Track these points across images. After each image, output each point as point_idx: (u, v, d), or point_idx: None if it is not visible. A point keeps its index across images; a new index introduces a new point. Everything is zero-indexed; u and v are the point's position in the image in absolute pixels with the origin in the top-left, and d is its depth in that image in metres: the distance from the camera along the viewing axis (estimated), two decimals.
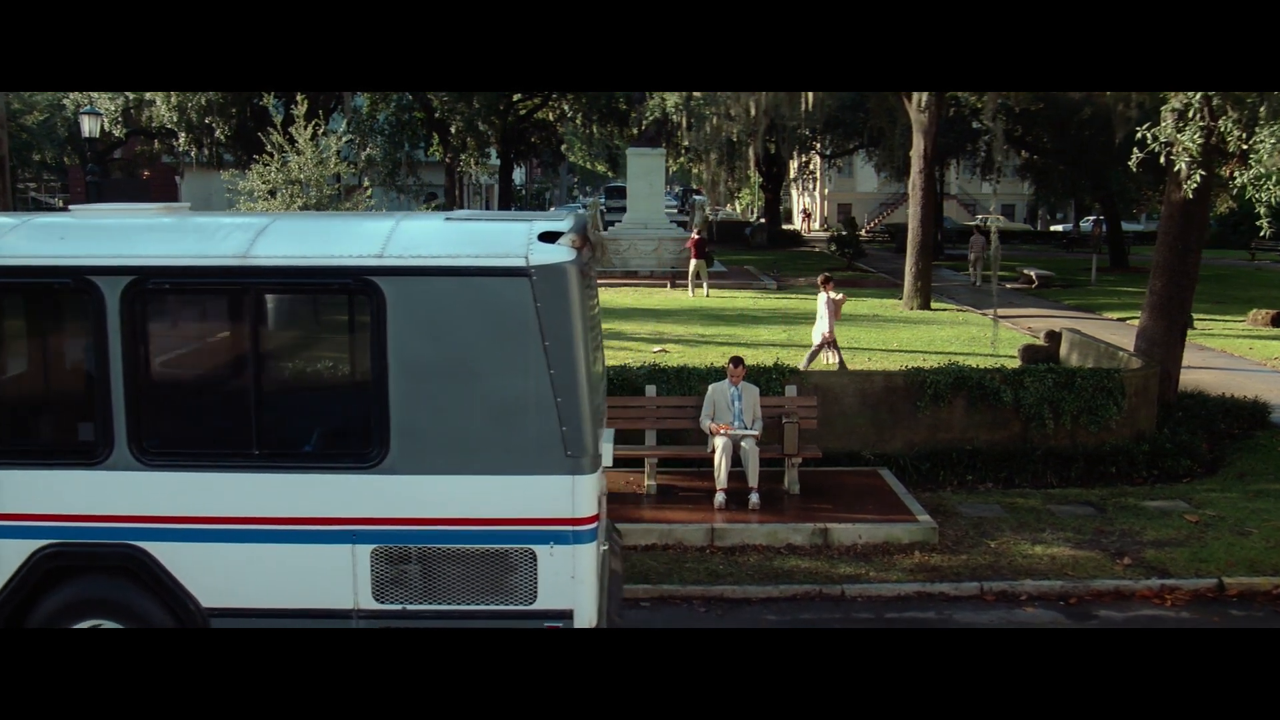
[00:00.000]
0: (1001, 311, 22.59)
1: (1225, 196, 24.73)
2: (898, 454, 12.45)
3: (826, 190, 68.12)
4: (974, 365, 13.29)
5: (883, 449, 12.53)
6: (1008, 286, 30.88)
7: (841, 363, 15.77)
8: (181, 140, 36.01)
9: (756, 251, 44.32)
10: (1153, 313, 15.09)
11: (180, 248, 6.11)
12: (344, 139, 18.41)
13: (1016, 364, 15.67)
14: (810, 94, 32.44)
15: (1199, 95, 12.18)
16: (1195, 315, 18.15)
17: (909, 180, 26.77)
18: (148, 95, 34.42)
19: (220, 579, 6.01)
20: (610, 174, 69.02)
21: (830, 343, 15.84)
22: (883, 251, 45.23)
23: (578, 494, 5.90)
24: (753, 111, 34.32)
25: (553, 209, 74.81)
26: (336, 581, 5.95)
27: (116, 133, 37.74)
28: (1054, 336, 17.95)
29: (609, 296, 26.56)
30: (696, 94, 34.71)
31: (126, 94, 34.61)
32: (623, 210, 37.28)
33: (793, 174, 57.91)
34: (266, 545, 5.98)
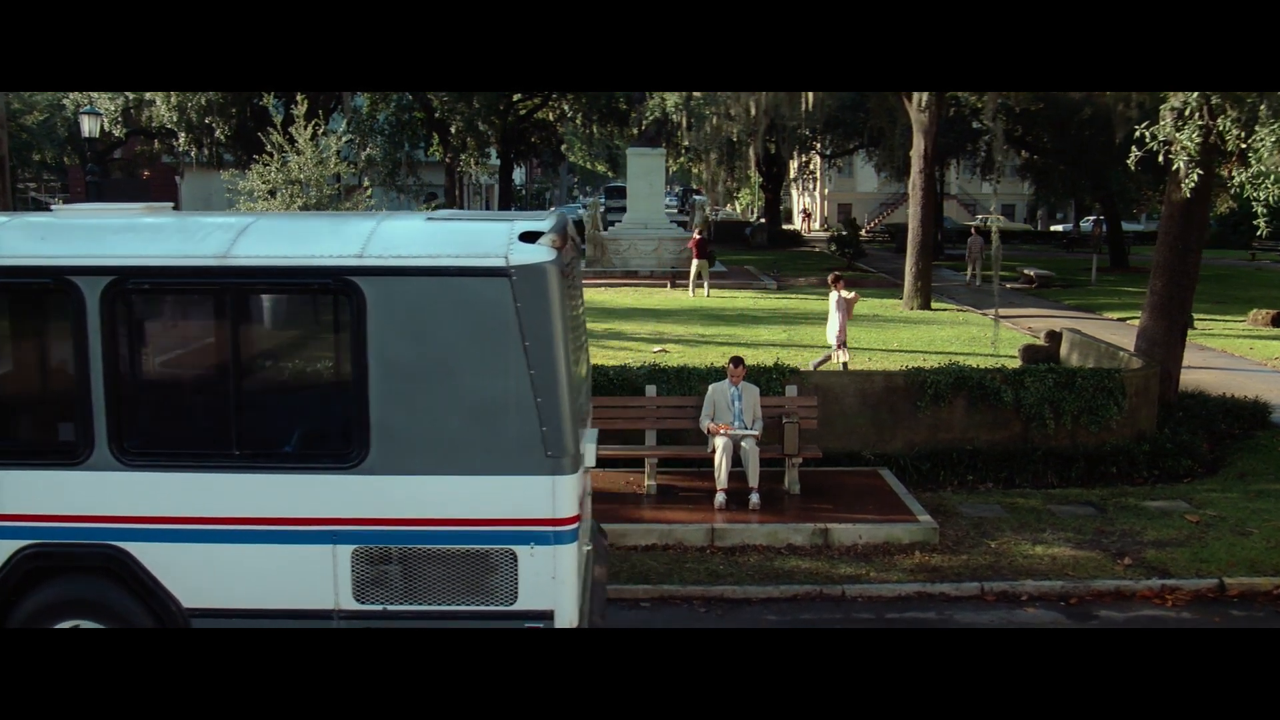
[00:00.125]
0: (1002, 311, 22.59)
1: (1225, 196, 24.73)
2: (898, 454, 12.44)
3: (826, 190, 68.13)
4: (974, 365, 13.29)
5: (883, 449, 12.53)
6: (1008, 286, 30.87)
7: (824, 361, 15.68)
8: (181, 140, 36.01)
9: (756, 251, 44.32)
10: (1153, 313, 15.09)
11: (161, 248, 6.10)
12: (344, 139, 18.41)
13: (1017, 364, 15.67)
14: (810, 94, 32.43)
15: (1197, 94, 12.18)
16: (1195, 315, 18.15)
17: (909, 180, 26.77)
18: (148, 95, 34.41)
19: (201, 579, 6.02)
20: (610, 174, 69.04)
21: (841, 342, 15.70)
22: (883, 251, 45.24)
23: (558, 494, 5.89)
24: (753, 111, 34.31)
25: (553, 208, 74.86)
26: (317, 582, 5.94)
27: (116, 133, 37.73)
28: (1054, 336, 17.95)
29: (609, 296, 26.58)
30: (696, 94, 34.70)
31: (126, 94, 34.60)
32: (623, 210, 37.28)
33: (793, 174, 57.91)
34: (247, 545, 5.98)
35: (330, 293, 6.05)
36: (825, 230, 58.68)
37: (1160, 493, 11.91)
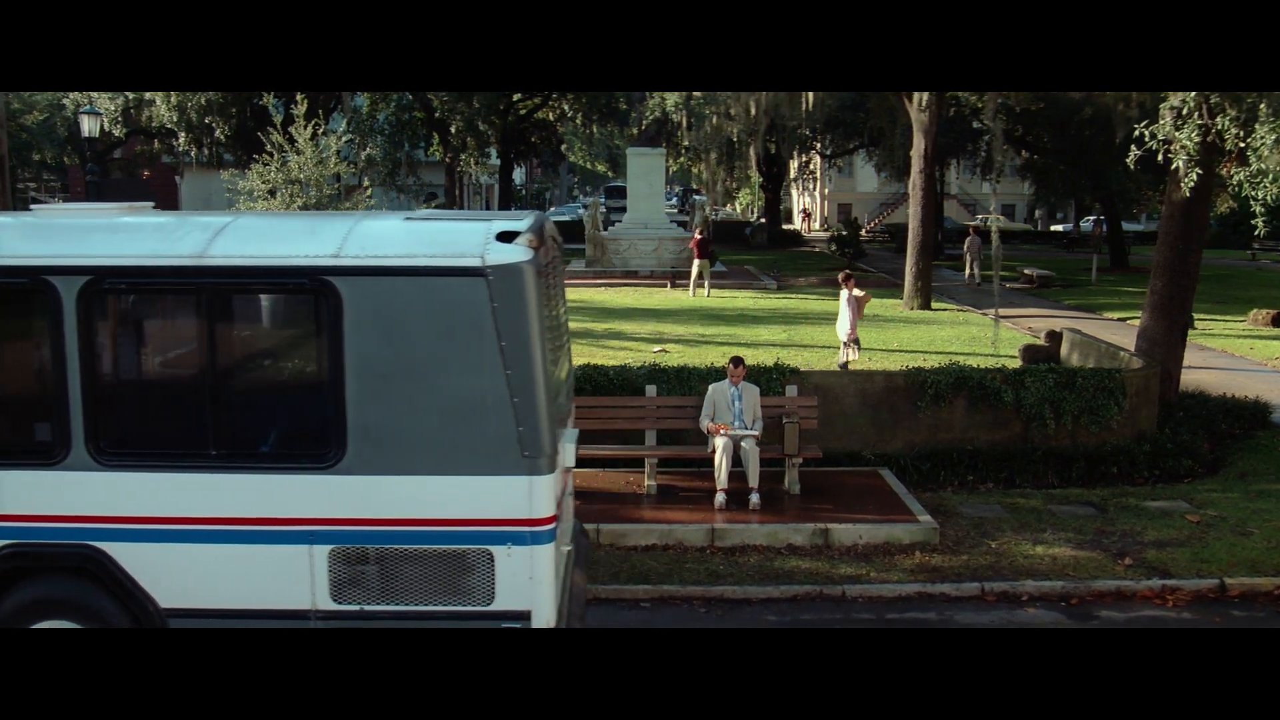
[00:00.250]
0: (1002, 311, 22.58)
1: (1225, 196, 24.74)
2: (898, 454, 12.44)
3: (826, 190, 68.13)
4: (975, 365, 13.28)
5: (883, 449, 12.52)
6: (1008, 286, 30.87)
7: (844, 364, 15.71)
8: (181, 140, 36.00)
9: (756, 251, 44.31)
10: (1153, 312, 15.08)
11: (137, 247, 6.10)
12: (344, 139, 18.41)
13: (1017, 364, 15.66)
14: (810, 94, 32.44)
15: (1196, 93, 12.17)
16: (1196, 315, 18.14)
17: (909, 180, 26.75)
18: (148, 95, 34.40)
19: (178, 579, 6.01)
20: (610, 174, 69.12)
21: (854, 340, 15.68)
22: (883, 251, 45.24)
23: (535, 494, 5.87)
24: (753, 111, 34.33)
25: (552, 208, 74.94)
26: (294, 582, 5.93)
27: (116, 133, 37.73)
28: (1054, 336, 17.94)
29: (609, 296, 26.57)
30: (696, 94, 34.71)
31: (126, 94, 34.60)
32: (623, 210, 37.29)
33: (793, 174, 57.91)
34: (224, 545, 5.97)
35: (307, 292, 6.02)
36: (825, 230, 58.70)
37: (1161, 493, 11.91)
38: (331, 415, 5.87)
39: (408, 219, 6.40)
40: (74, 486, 5.98)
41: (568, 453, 6.39)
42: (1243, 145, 12.26)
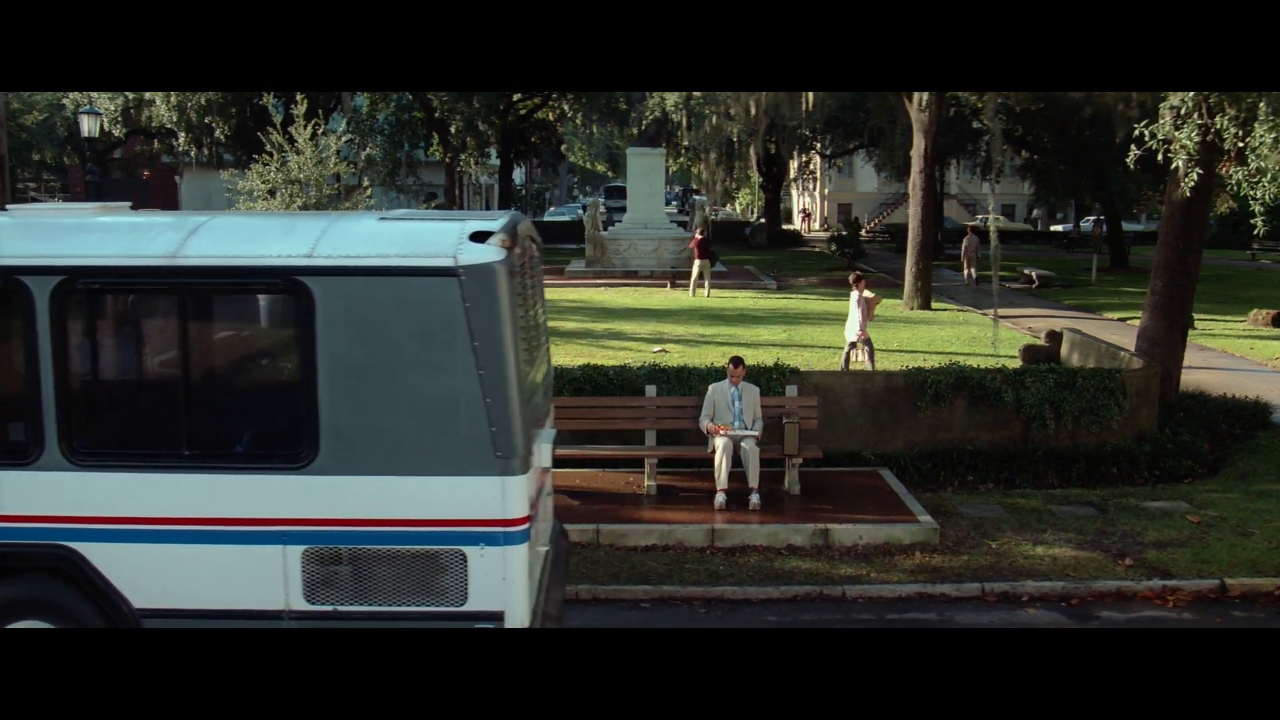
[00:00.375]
0: (1002, 311, 22.58)
1: (1225, 196, 24.71)
2: (898, 454, 12.43)
3: (826, 190, 68.13)
4: (975, 365, 13.28)
5: (883, 449, 12.52)
6: (1008, 286, 30.86)
7: (847, 364, 15.70)
8: (181, 140, 36.02)
9: (756, 251, 44.31)
10: (1154, 312, 15.08)
11: (111, 247, 6.08)
12: (344, 139, 18.41)
13: (1017, 364, 15.66)
14: (810, 94, 32.43)
15: (1195, 92, 12.17)
16: (1196, 315, 18.13)
17: (909, 180, 26.75)
18: (147, 95, 34.41)
19: (152, 579, 6.00)
20: (610, 174, 69.15)
21: (865, 341, 15.66)
22: (883, 251, 45.23)
23: (508, 495, 5.86)
24: (753, 111, 34.34)
25: (552, 208, 74.94)
26: (268, 582, 5.93)
27: (116, 133, 37.76)
28: (1055, 336, 17.94)
29: (609, 296, 26.57)
30: (696, 94, 34.71)
31: (126, 94, 34.60)
32: (623, 210, 37.29)
33: (793, 174, 57.93)
34: (198, 546, 5.96)
35: (279, 292, 6.02)
36: (825, 230, 58.70)
37: (1161, 493, 11.90)
38: (304, 415, 5.86)
39: (382, 219, 6.39)
40: (47, 487, 5.97)
41: (543, 453, 6.38)
42: (1241, 145, 12.26)
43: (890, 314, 23.72)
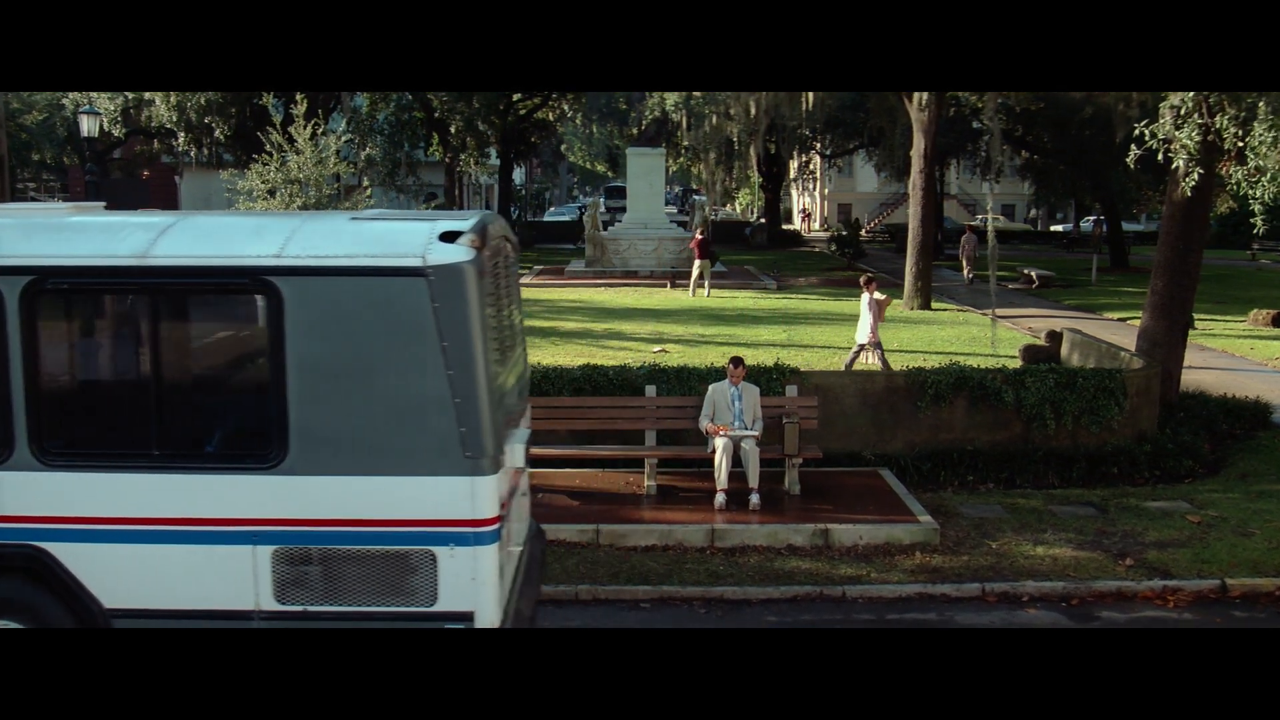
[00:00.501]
0: (1002, 312, 22.58)
1: (1225, 196, 24.72)
2: (898, 454, 12.43)
3: (826, 190, 68.15)
4: (975, 365, 13.27)
5: (883, 449, 12.51)
6: (1008, 287, 30.88)
7: (851, 364, 15.67)
8: (181, 140, 35.98)
9: (756, 251, 44.32)
10: (1154, 312, 15.07)
11: (81, 247, 6.08)
12: (344, 139, 18.41)
13: (1017, 364, 15.66)
14: (810, 94, 32.44)
15: (1194, 93, 12.17)
16: (1196, 315, 18.14)
17: (909, 180, 26.75)
18: (147, 95, 34.40)
19: (122, 579, 6.00)
20: (610, 174, 69.11)
21: (875, 344, 15.59)
22: (883, 251, 45.25)
23: (477, 495, 5.85)
24: (753, 111, 34.36)
25: (552, 208, 74.94)
26: (237, 582, 5.92)
27: (116, 133, 37.72)
28: (1055, 336, 17.94)
29: (609, 296, 26.58)
30: (696, 94, 34.72)
31: (126, 94, 34.60)
32: (623, 210, 37.31)
33: (793, 174, 57.96)
34: (168, 546, 5.96)
35: (249, 293, 6.02)
36: (825, 230, 58.71)
37: (1161, 493, 11.90)
38: (274, 415, 5.86)
39: (353, 219, 6.38)
40: (17, 487, 5.96)
41: (516, 453, 6.36)
42: (1241, 144, 12.26)
43: (890, 314, 23.65)
